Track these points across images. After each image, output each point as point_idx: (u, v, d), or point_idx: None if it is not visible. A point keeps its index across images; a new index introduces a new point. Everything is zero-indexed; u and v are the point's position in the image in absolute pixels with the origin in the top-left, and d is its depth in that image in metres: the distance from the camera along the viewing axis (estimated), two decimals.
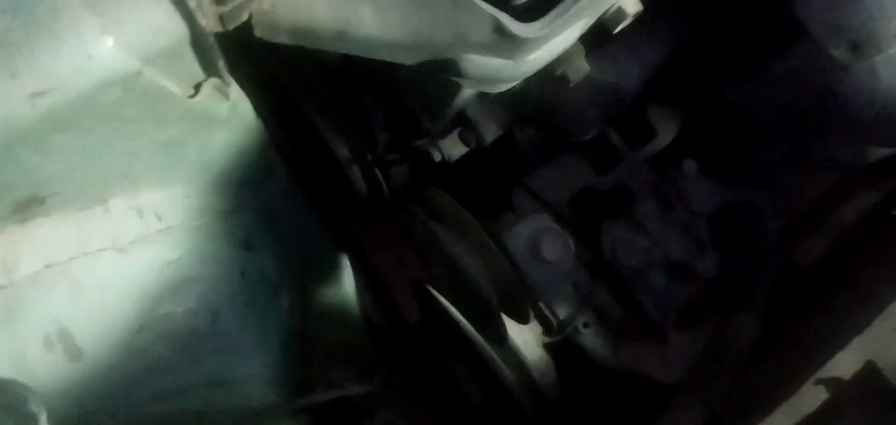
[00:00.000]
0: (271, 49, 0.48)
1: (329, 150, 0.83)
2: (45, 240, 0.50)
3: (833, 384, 0.64)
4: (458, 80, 0.52)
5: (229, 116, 0.54)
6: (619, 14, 0.53)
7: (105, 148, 0.47)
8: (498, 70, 0.50)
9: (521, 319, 0.72)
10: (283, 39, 0.49)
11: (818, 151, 0.68)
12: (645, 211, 0.83)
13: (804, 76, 0.55)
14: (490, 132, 0.72)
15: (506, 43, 0.48)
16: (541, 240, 0.66)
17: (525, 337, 0.82)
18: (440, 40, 0.47)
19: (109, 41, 0.37)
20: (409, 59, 0.50)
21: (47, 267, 0.51)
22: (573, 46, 0.59)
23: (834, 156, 0.65)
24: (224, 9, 0.43)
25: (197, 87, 0.48)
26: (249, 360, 0.65)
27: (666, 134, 0.82)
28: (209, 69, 0.46)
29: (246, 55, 0.56)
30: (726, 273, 0.90)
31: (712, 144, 0.81)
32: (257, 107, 0.60)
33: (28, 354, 0.53)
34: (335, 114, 0.81)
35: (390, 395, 0.69)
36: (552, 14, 0.46)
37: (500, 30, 0.46)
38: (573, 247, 0.67)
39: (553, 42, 0.50)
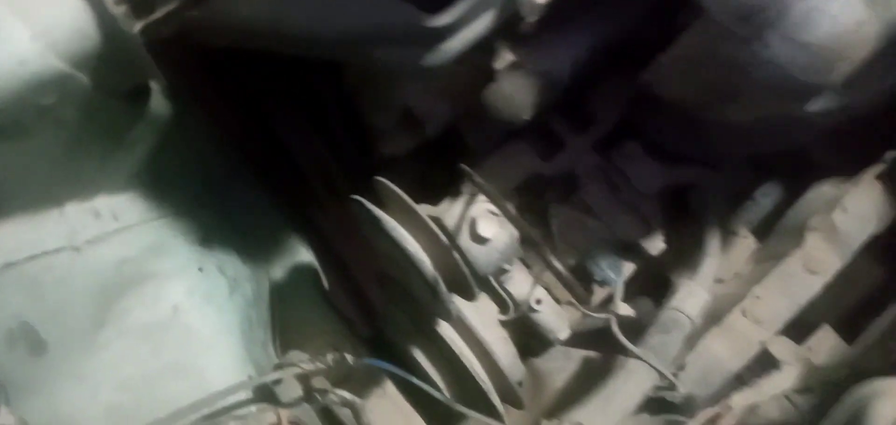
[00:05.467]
0: (228, 51, 0.52)
1: (290, 150, 0.87)
2: (3, 242, 0.54)
3: None
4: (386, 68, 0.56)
5: (172, 120, 0.58)
6: (530, 3, 0.57)
7: (51, 152, 0.51)
8: (418, 58, 0.54)
9: (467, 296, 0.76)
10: (221, 41, 0.53)
11: (719, 119, 0.73)
12: (591, 193, 0.86)
13: (705, 51, 0.59)
14: (434, 126, 0.76)
15: (420, 33, 0.51)
16: (477, 219, 0.69)
17: (482, 317, 0.86)
18: (362, 34, 0.51)
19: (39, 46, 0.41)
20: (337, 54, 0.54)
21: (6, 265, 0.55)
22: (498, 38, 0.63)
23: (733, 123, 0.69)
24: (151, 18, 0.47)
25: (135, 92, 0.52)
26: (210, 350, 0.69)
27: (608, 118, 0.85)
28: (142, 74, 0.50)
29: (197, 59, 0.60)
30: (673, 247, 0.94)
31: (654, 126, 0.85)
32: (213, 109, 0.64)
33: None
34: (295, 114, 0.85)
35: (347, 374, 0.72)
36: (459, 5, 0.50)
37: (412, 22, 0.50)
38: (511, 227, 0.71)
39: (465, 31, 0.54)
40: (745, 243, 1.04)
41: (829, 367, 0.87)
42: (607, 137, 0.86)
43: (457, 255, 0.70)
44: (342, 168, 0.88)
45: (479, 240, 0.71)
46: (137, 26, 0.47)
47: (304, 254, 0.90)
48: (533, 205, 0.86)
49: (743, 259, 1.04)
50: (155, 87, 0.54)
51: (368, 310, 0.95)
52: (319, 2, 0.48)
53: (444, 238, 0.69)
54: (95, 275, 0.61)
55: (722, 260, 1.04)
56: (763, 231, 1.05)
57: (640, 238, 0.87)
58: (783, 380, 0.88)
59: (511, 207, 0.76)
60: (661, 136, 0.84)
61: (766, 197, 1.08)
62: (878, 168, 0.98)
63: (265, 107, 0.79)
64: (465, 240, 0.71)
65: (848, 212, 0.98)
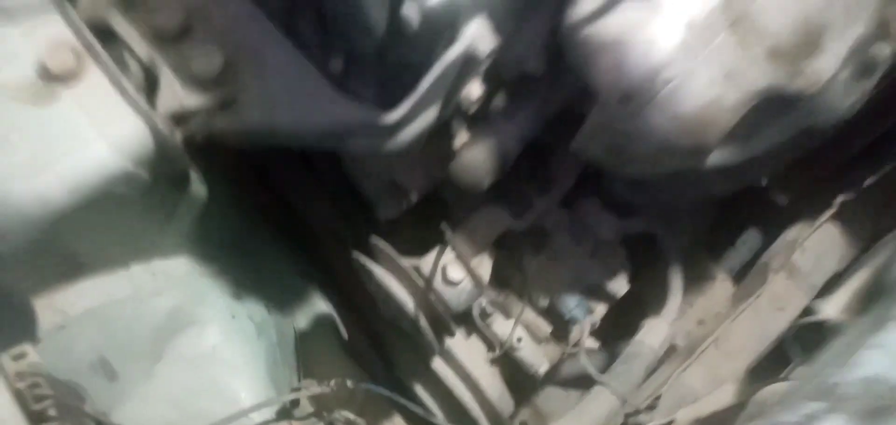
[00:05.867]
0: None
1: (306, 216, 1.08)
2: (85, 293, 0.75)
3: None
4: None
5: (208, 198, 0.79)
6: (467, 98, 0.76)
7: (121, 227, 0.72)
8: (380, 146, 0.73)
9: (448, 333, 0.93)
10: (238, 140, 0.74)
11: (620, 183, 0.90)
12: (559, 244, 1.03)
13: (605, 124, 0.77)
14: (416, 193, 0.95)
15: (378, 129, 0.71)
16: (447, 266, 0.87)
17: (472, 356, 1.03)
18: (333, 130, 0.70)
19: (115, 154, 0.62)
20: (320, 144, 0.74)
21: (87, 311, 0.75)
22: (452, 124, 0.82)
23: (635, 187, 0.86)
24: (188, 129, 0.68)
25: (179, 179, 0.72)
26: (241, 379, 0.88)
27: (567, 180, 1.03)
28: (184, 166, 0.71)
29: (225, 151, 0.80)
30: (638, 287, 1.10)
31: (606, 184, 1.02)
32: (241, 187, 0.85)
33: (81, 375, 0.77)
34: (310, 186, 1.05)
35: (350, 396, 0.90)
36: (403, 106, 0.69)
37: (370, 120, 0.70)
38: (476, 271, 0.89)
39: (415, 123, 0.73)
40: (724, 286, 1.19)
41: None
42: (571, 194, 1.04)
43: (432, 296, 0.88)
44: (352, 229, 1.08)
45: (449, 283, 0.88)
46: (178, 134, 0.68)
47: (323, 306, 1.09)
48: (511, 256, 1.04)
49: (722, 300, 1.19)
50: (193, 174, 0.74)
51: (383, 355, 1.13)
52: (298, 109, 0.68)
53: (421, 282, 0.88)
54: (153, 320, 0.81)
55: (703, 301, 1.19)
56: (741, 275, 1.21)
57: (604, 281, 1.04)
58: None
59: (475, 259, 0.94)
60: (613, 191, 1.01)
61: (745, 244, 1.24)
62: (830, 211, 1.13)
63: (283, 181, 0.99)
64: (438, 283, 0.89)
65: (807, 252, 1.13)
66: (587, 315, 1.02)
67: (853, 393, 0.48)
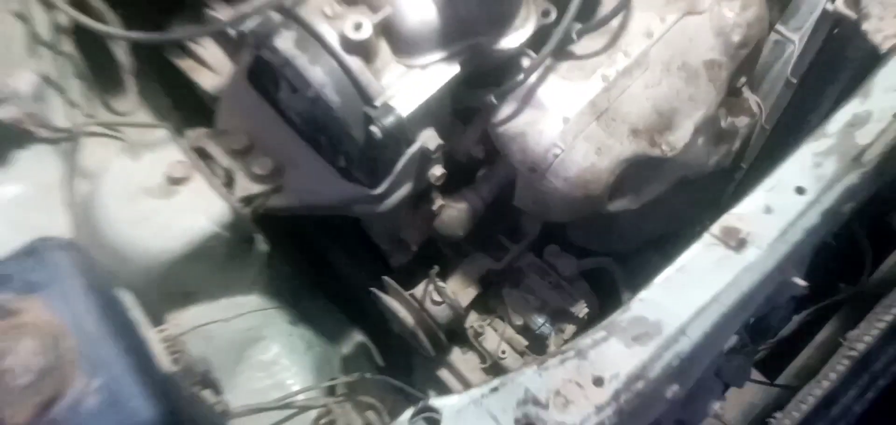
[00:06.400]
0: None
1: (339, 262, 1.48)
2: (192, 316, 1.17)
3: None
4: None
5: (269, 251, 1.20)
6: (433, 175, 1.14)
7: (213, 271, 1.14)
8: (375, 209, 1.12)
9: (440, 343, 1.30)
10: (286, 213, 1.15)
11: (576, 233, 1.25)
12: (531, 280, 1.39)
13: (525, 185, 1.14)
14: (415, 245, 1.33)
15: (370, 198, 1.10)
16: (431, 292, 1.24)
17: (469, 366, 1.39)
18: (343, 202, 1.10)
19: (210, 223, 1.04)
20: (337, 212, 1.14)
21: (194, 328, 1.17)
22: (431, 193, 1.21)
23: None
24: (254, 208, 1.10)
25: (248, 238, 1.14)
26: (295, 377, 1.27)
27: (533, 230, 1.39)
28: (251, 230, 1.12)
29: (278, 219, 1.22)
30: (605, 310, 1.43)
31: (563, 231, 1.38)
32: (290, 246, 1.26)
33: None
34: (343, 241, 1.46)
35: (367, 386, 1.27)
36: (383, 184, 1.08)
37: (363, 194, 1.09)
38: (452, 296, 1.25)
39: (397, 193, 1.11)
40: None
41: None
42: (540, 241, 1.39)
43: (424, 314, 1.26)
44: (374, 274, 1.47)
45: (435, 303, 1.26)
46: (248, 211, 1.10)
47: (359, 336, 1.48)
48: (495, 290, 1.40)
49: None
50: (258, 236, 1.16)
51: (407, 371, 1.50)
52: (319, 191, 1.09)
53: (415, 303, 1.25)
54: (235, 336, 1.22)
55: None
56: None
57: (567, 306, 1.37)
58: None
59: (461, 291, 1.30)
60: (573, 239, 1.37)
61: None
62: None
63: (322, 243, 1.39)
64: (428, 305, 1.26)
65: None
66: (555, 331, 1.35)
67: (624, 326, 0.82)
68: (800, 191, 0.84)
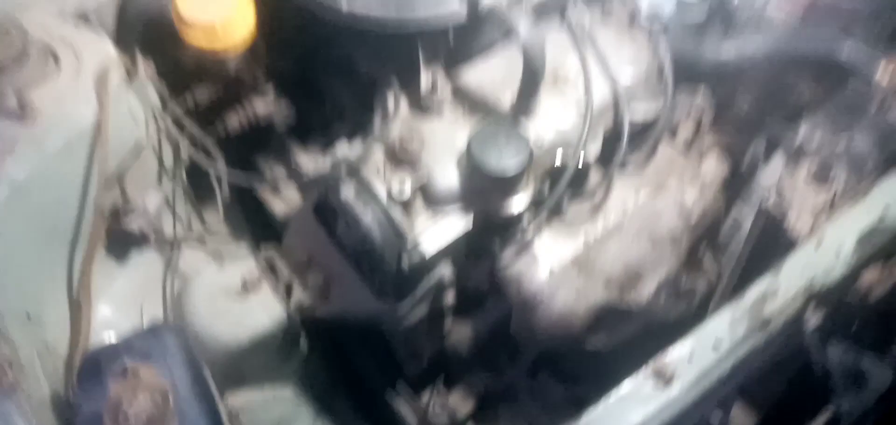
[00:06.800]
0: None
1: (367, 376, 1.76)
2: (243, 395, 1.45)
3: None
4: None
5: (308, 350, 1.50)
6: (447, 301, 1.44)
7: (264, 361, 1.43)
8: (400, 323, 1.41)
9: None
10: (331, 322, 1.45)
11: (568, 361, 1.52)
12: (524, 400, 1.65)
13: (520, 318, 1.43)
14: (428, 356, 1.61)
15: (395, 316, 1.39)
16: (435, 402, 1.52)
17: None
18: (374, 317, 1.39)
19: (270, 321, 1.34)
20: (370, 325, 1.44)
21: (245, 406, 1.45)
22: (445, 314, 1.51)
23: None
24: (303, 313, 1.40)
25: (295, 337, 1.44)
26: None
27: (530, 355, 1.67)
28: (297, 331, 1.42)
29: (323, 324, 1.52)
30: None
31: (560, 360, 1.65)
32: (327, 350, 1.56)
33: None
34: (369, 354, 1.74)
35: None
36: (405, 304, 1.38)
37: (389, 311, 1.38)
38: (450, 404, 1.52)
39: (415, 311, 1.41)
40: None
41: None
42: (536, 365, 1.67)
43: (429, 416, 1.53)
44: (394, 380, 1.74)
45: (438, 410, 1.52)
46: (298, 314, 1.41)
47: None
48: (492, 405, 1.66)
49: None
50: (302, 337, 1.46)
51: None
52: (356, 305, 1.39)
53: (421, 408, 1.52)
54: (273, 418, 1.50)
55: None
56: None
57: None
58: None
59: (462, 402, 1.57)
60: (565, 364, 1.64)
61: None
62: None
63: (352, 351, 1.68)
64: (432, 411, 1.53)
65: None
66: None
67: None
68: (716, 345, 1.12)
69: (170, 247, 1.40)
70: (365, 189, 1.31)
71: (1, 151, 1.15)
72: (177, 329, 1.10)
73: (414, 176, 1.30)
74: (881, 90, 1.45)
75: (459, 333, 1.54)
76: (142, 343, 1.06)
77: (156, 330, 1.09)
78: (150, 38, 1.54)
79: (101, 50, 1.30)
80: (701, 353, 1.10)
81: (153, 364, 1.03)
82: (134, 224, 1.29)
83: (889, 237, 1.24)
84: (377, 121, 1.40)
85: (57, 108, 1.20)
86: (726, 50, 1.52)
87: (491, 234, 1.39)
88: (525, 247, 1.39)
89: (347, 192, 1.32)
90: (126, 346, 1.05)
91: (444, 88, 1.38)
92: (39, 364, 1.09)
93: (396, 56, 1.38)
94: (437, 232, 1.33)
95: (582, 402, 1.60)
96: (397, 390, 1.52)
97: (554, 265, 1.38)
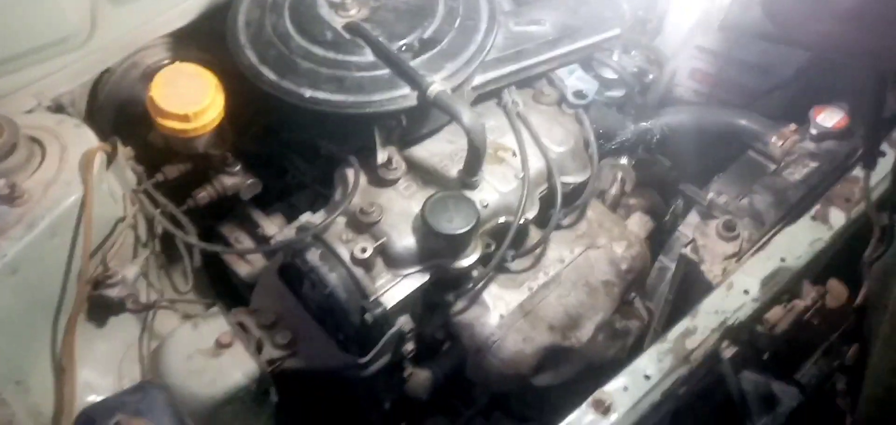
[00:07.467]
0: None
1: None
2: None
3: None
4: None
5: (278, 405, 1.60)
6: (406, 350, 1.57)
7: (239, 412, 1.53)
8: (360, 375, 1.54)
9: None
10: (300, 375, 1.57)
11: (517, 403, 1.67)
12: None
13: (473, 364, 1.57)
14: (389, 402, 1.74)
15: (359, 366, 1.52)
16: None
17: None
18: (338, 368, 1.52)
19: (242, 377, 1.45)
20: (330, 375, 1.56)
21: None
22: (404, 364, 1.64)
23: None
24: (275, 368, 1.52)
25: (265, 392, 1.55)
26: None
27: (484, 398, 1.81)
28: (269, 385, 1.53)
29: (291, 376, 1.63)
30: None
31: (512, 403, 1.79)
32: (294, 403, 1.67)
33: None
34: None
35: None
36: (369, 356, 1.50)
37: (354, 363, 1.51)
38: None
39: (377, 363, 1.54)
40: None
41: None
42: (489, 407, 1.81)
43: None
44: None
45: None
46: (269, 369, 1.52)
47: None
48: None
49: None
50: (272, 389, 1.56)
51: None
52: (323, 359, 1.51)
53: None
54: None
55: None
56: None
57: None
58: None
59: None
60: (517, 407, 1.78)
61: None
62: None
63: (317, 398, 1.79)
64: None
65: None
66: None
67: None
68: (647, 376, 1.29)
69: (146, 312, 1.50)
70: (330, 253, 1.45)
71: None
72: (162, 386, 1.21)
73: (375, 239, 1.45)
74: (776, 156, 1.69)
75: (419, 379, 1.67)
76: (132, 399, 1.16)
77: (144, 387, 1.19)
78: (121, 121, 1.67)
79: (83, 137, 1.42)
80: (634, 385, 1.26)
81: (145, 419, 1.13)
82: (114, 292, 1.39)
83: (788, 279, 1.44)
84: (338, 192, 1.55)
85: (44, 192, 1.31)
86: (642, 123, 1.75)
87: (445, 288, 1.55)
88: (476, 297, 1.55)
89: (313, 256, 1.46)
90: (118, 403, 1.15)
91: (399, 163, 1.55)
92: None
93: (355, 135, 1.55)
94: (396, 288, 1.48)
95: None
96: None
97: (502, 312, 1.53)
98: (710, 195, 1.65)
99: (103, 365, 1.42)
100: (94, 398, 1.36)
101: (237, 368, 1.45)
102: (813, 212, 1.53)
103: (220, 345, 1.47)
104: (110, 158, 1.44)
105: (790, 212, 1.59)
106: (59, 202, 1.32)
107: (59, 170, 1.34)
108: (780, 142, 1.72)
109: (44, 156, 1.37)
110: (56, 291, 1.34)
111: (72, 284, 1.35)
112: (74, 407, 1.29)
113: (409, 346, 1.59)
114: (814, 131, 1.73)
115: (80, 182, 1.34)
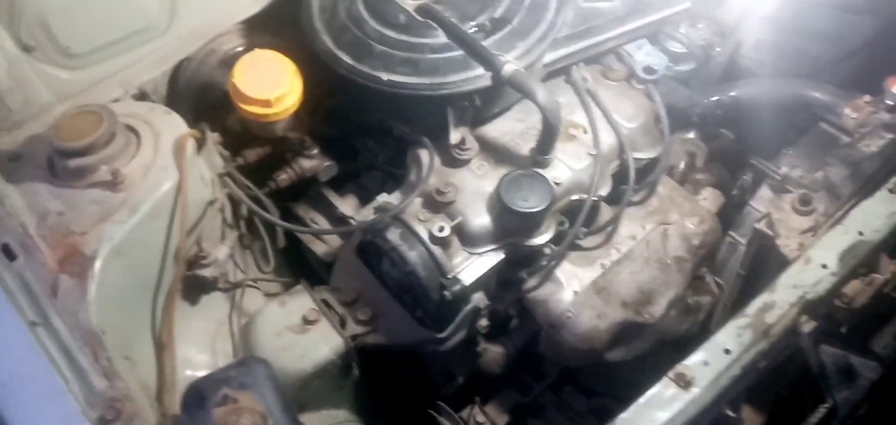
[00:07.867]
0: None
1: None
2: (306, 419, 1.62)
3: None
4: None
5: (359, 379, 1.67)
6: (481, 326, 1.62)
7: (324, 386, 1.60)
8: (438, 348, 1.59)
9: None
10: (380, 350, 1.62)
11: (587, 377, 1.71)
12: (551, 414, 1.82)
13: (547, 339, 1.61)
14: (462, 378, 1.78)
15: (437, 340, 1.56)
16: (475, 415, 1.69)
17: None
18: (417, 343, 1.57)
19: (329, 352, 1.51)
20: (409, 350, 1.61)
21: None
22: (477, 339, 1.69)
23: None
24: (356, 343, 1.58)
25: (349, 366, 1.61)
26: None
27: (554, 371, 1.85)
28: (352, 360, 1.59)
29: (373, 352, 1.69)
30: None
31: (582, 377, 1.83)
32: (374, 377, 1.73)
33: None
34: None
35: None
36: (447, 331, 1.55)
37: (431, 337, 1.56)
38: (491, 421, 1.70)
39: (454, 337, 1.58)
40: None
41: None
42: (560, 381, 1.85)
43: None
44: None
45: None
46: (353, 344, 1.58)
47: None
48: (522, 420, 1.83)
49: None
50: (354, 365, 1.62)
51: None
52: (402, 334, 1.57)
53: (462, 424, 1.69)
54: None
55: None
56: None
57: None
58: None
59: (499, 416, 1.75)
60: (586, 381, 1.82)
61: None
62: None
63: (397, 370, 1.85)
64: None
65: None
66: None
67: None
68: (727, 351, 1.31)
69: (234, 291, 1.57)
70: (409, 232, 1.50)
71: (100, 217, 1.33)
72: (264, 361, 1.27)
73: (451, 219, 1.49)
74: (849, 128, 1.67)
75: (492, 354, 1.72)
76: (236, 373, 1.22)
77: (246, 362, 1.26)
78: (201, 107, 1.74)
79: (173, 123, 1.49)
80: (715, 359, 1.29)
81: (250, 391, 1.20)
82: (207, 272, 1.46)
83: (866, 253, 1.44)
84: (412, 173, 1.59)
85: (143, 177, 1.38)
86: (712, 97, 1.74)
87: (518, 265, 1.58)
88: (549, 274, 1.58)
89: (393, 235, 1.51)
90: (223, 377, 1.22)
91: (472, 143, 1.58)
92: (144, 398, 1.26)
93: (428, 116, 1.58)
94: (472, 265, 1.52)
95: (602, 412, 1.81)
96: (438, 408, 1.68)
97: (576, 289, 1.56)
98: (784, 169, 1.64)
99: (198, 341, 1.50)
100: (192, 373, 1.44)
101: (324, 343, 1.52)
102: (890, 184, 1.52)
103: (307, 322, 1.54)
104: (199, 143, 1.50)
105: (866, 185, 1.57)
106: (157, 186, 1.39)
107: (154, 155, 1.41)
108: (854, 114, 1.69)
109: (139, 142, 1.44)
110: (155, 271, 1.42)
111: (169, 265, 1.42)
112: (176, 381, 1.37)
113: (484, 322, 1.64)
114: (890, 102, 1.70)
115: (174, 167, 1.41)
